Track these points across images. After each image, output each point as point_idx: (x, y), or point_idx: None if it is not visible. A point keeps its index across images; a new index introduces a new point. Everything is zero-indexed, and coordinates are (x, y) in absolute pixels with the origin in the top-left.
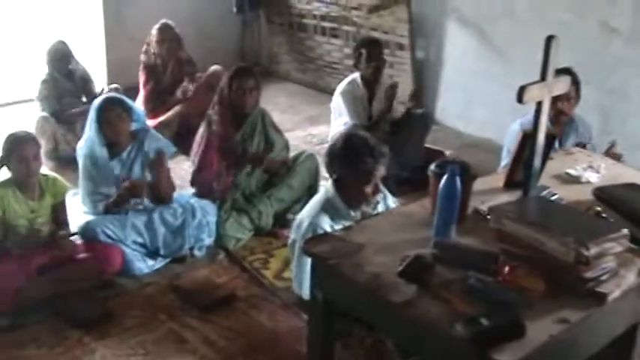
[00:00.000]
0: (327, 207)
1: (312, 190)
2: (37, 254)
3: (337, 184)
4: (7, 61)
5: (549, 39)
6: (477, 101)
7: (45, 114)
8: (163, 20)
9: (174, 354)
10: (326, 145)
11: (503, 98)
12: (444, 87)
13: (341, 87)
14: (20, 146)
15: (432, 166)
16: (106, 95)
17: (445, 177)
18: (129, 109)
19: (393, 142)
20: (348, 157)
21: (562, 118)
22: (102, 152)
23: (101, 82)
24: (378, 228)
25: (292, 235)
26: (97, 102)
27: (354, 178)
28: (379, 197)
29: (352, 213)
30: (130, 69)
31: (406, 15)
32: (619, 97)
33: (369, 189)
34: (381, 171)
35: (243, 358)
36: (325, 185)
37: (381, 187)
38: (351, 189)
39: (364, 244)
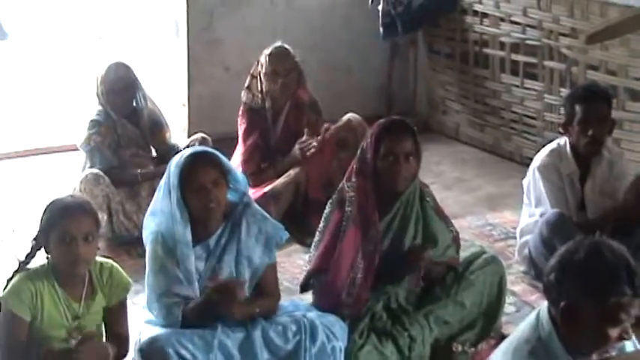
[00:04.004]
0: (539, 354)
1: (492, 311)
2: None
3: (563, 316)
4: (40, 97)
5: None
6: None
7: (95, 171)
8: (278, 43)
9: None
10: (512, 242)
11: None
12: None
13: (539, 158)
14: (68, 220)
15: None
16: (194, 149)
17: None
18: (227, 172)
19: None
20: (595, 281)
21: None
22: (184, 234)
23: (180, 130)
24: None
25: None
26: (179, 158)
27: (597, 313)
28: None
29: None
30: (223, 112)
31: None
32: None
33: (614, 332)
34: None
35: None
36: (535, 318)
37: (631, 331)
38: (586, 329)
39: None
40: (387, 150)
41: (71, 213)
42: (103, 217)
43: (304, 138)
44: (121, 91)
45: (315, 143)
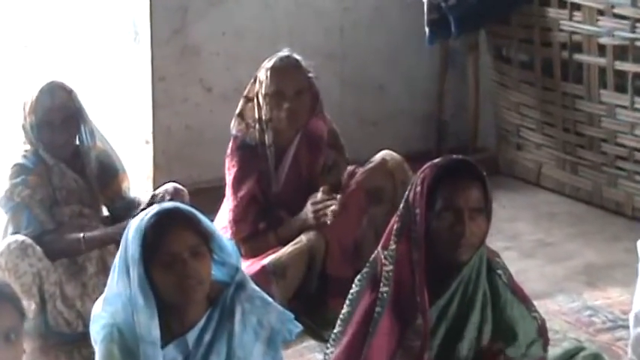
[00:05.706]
0: None
1: None
2: None
3: None
4: None
5: None
6: None
7: (20, 238)
8: (284, 53)
9: None
10: (623, 334)
11: None
12: None
13: None
14: None
15: None
16: (162, 206)
17: None
18: (209, 238)
19: None
20: None
21: None
22: (149, 328)
23: (143, 177)
24: None
25: None
26: (140, 220)
27: None
28: None
29: None
30: (203, 151)
31: None
32: None
33: None
34: None
35: None
36: None
37: None
38: None
39: None
40: (446, 203)
41: None
42: (31, 304)
43: (319, 196)
44: (59, 124)
45: (335, 205)
